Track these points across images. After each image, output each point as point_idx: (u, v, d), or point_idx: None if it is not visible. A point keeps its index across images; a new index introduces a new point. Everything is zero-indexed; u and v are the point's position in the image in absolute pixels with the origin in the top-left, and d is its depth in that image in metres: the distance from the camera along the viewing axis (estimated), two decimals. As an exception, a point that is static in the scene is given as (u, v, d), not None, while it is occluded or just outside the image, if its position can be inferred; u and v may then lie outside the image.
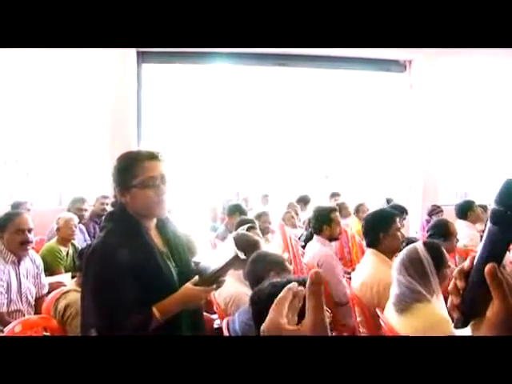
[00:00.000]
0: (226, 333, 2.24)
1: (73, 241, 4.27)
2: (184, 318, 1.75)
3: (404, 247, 3.12)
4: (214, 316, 3.02)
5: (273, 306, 0.71)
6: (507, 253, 0.72)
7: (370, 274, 2.83)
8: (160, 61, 6.72)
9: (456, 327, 0.74)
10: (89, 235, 4.95)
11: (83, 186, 6.46)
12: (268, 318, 0.70)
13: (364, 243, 3.15)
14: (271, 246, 4.57)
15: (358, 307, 2.83)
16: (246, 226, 3.51)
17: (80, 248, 3.90)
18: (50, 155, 6.55)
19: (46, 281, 3.37)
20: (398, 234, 2.95)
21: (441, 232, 3.63)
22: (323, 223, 3.75)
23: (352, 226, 5.81)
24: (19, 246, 3.11)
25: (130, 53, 6.30)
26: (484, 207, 5.40)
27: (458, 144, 7.63)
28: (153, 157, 1.78)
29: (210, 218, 5.87)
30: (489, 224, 0.69)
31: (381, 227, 2.93)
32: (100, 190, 5.75)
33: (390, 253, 2.92)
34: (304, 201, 6.95)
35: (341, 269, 3.78)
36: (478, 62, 7.22)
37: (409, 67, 7.21)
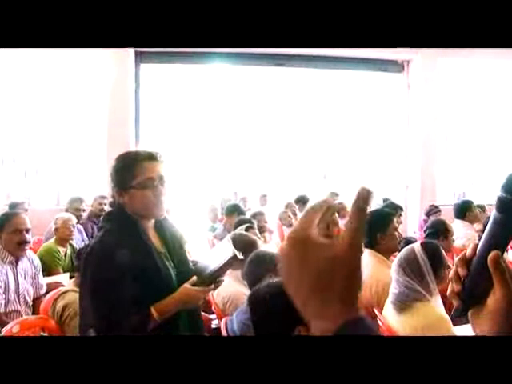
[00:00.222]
0: (224, 333, 2.25)
1: (71, 241, 4.26)
2: (182, 318, 1.75)
3: (402, 247, 3.14)
4: (212, 316, 3.02)
5: (302, 215, 0.60)
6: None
7: (369, 274, 2.83)
8: (158, 61, 6.73)
9: (455, 315, 0.74)
10: (87, 235, 4.95)
11: (81, 185, 6.45)
12: (295, 226, 0.59)
13: (362, 243, 3.15)
14: (269, 245, 4.56)
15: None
16: (245, 226, 3.51)
17: (78, 248, 3.90)
18: (48, 155, 6.55)
19: (44, 281, 3.36)
20: (396, 233, 2.96)
21: (438, 231, 3.64)
22: (321, 223, 3.75)
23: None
24: (17, 247, 3.10)
25: (128, 53, 6.30)
26: (482, 207, 5.42)
27: (456, 144, 7.64)
28: (152, 157, 1.78)
29: (209, 218, 5.86)
30: (494, 212, 0.68)
31: (378, 228, 2.94)
32: (98, 189, 5.75)
33: (388, 253, 2.93)
34: (302, 201, 6.95)
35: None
36: (476, 62, 7.24)
37: (407, 67, 7.22)
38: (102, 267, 1.63)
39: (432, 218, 5.28)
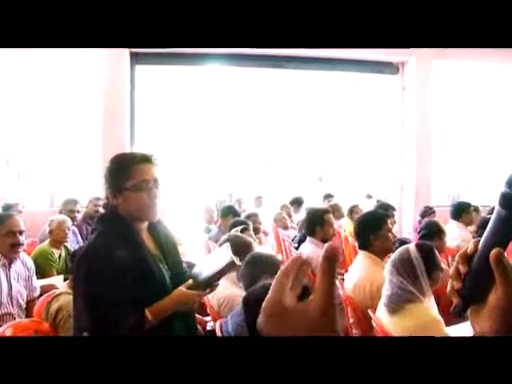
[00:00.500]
0: (218, 335, 2.24)
1: (65, 243, 4.24)
2: (176, 320, 1.74)
3: (396, 248, 3.15)
4: (208, 318, 3.02)
5: (275, 280, 0.62)
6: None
7: (363, 275, 2.84)
8: (154, 62, 6.71)
9: (454, 312, 0.73)
10: (81, 237, 4.93)
11: (76, 187, 6.43)
12: (269, 294, 0.61)
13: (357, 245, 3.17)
14: (264, 247, 4.56)
15: (351, 308, 2.84)
16: (240, 228, 3.51)
17: (72, 250, 3.88)
18: (42, 156, 6.52)
19: (38, 284, 3.34)
20: (389, 235, 2.97)
21: (432, 232, 3.66)
22: (316, 225, 3.76)
23: (345, 228, 5.82)
24: (10, 249, 3.08)
25: (124, 54, 6.29)
26: (476, 208, 5.44)
27: (451, 146, 7.67)
28: (146, 160, 1.77)
29: (205, 219, 5.85)
30: (497, 208, 0.67)
31: (371, 229, 2.95)
32: (93, 191, 5.73)
33: (382, 254, 2.94)
34: (297, 202, 6.97)
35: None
36: (471, 64, 7.28)
37: (401, 69, 7.24)
38: (96, 269, 1.62)
39: (426, 219, 5.30)
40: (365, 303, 2.70)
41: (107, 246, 1.66)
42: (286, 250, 4.89)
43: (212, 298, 2.71)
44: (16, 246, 3.10)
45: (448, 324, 2.13)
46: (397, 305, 2.16)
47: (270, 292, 0.61)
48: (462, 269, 0.72)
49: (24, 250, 3.34)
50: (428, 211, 5.83)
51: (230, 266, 1.76)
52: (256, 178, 8.27)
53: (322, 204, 6.65)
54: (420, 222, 5.60)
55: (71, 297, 1.91)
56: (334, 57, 6.76)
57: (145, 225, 1.82)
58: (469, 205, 5.13)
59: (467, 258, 0.72)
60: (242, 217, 4.70)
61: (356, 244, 3.24)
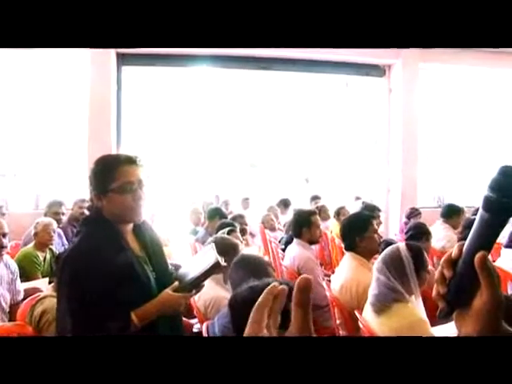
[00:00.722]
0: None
1: (50, 246, 4.19)
2: (163, 323, 1.73)
3: (382, 249, 3.17)
4: (194, 320, 3.00)
5: (252, 313, 0.63)
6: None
7: (349, 276, 2.85)
8: (140, 63, 6.67)
9: (440, 316, 0.73)
10: (67, 239, 4.87)
11: (61, 189, 6.36)
12: (247, 327, 0.63)
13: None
14: (251, 249, 4.56)
15: (338, 309, 2.85)
16: (227, 230, 3.50)
17: (58, 253, 3.84)
18: (27, 158, 6.44)
19: (22, 287, 3.30)
20: (375, 236, 2.99)
21: (419, 233, 3.69)
22: (303, 226, 3.76)
23: (332, 229, 5.84)
24: (-7, 251, 3.04)
25: (110, 55, 6.24)
26: (461, 210, 5.49)
27: (437, 148, 7.75)
28: (131, 161, 1.76)
29: (192, 221, 5.83)
30: (481, 211, 0.68)
31: (357, 231, 2.96)
32: (79, 193, 5.67)
33: (369, 255, 2.95)
34: (284, 204, 6.98)
35: (320, 272, 3.79)
36: (457, 67, 7.35)
37: (388, 72, 7.29)
38: (80, 272, 1.60)
39: (413, 221, 5.34)
40: (351, 304, 2.71)
41: (92, 249, 1.64)
42: (272, 251, 4.89)
43: (198, 300, 2.70)
44: (-1, 248, 3.06)
45: (434, 324, 2.14)
46: (383, 304, 2.17)
47: (248, 324, 0.62)
48: (447, 273, 0.72)
49: (8, 253, 3.30)
50: (414, 212, 5.87)
51: (216, 267, 1.76)
52: (243, 180, 8.27)
53: (308, 205, 6.67)
54: (406, 224, 5.64)
55: (56, 300, 1.89)
56: (321, 59, 6.78)
57: (130, 227, 1.80)
58: (462, 210, 5.15)
59: (452, 263, 0.72)
60: (229, 218, 4.70)
61: (342, 245, 3.25)
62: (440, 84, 7.64)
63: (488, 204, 0.67)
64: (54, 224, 4.23)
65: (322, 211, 5.97)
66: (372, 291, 2.25)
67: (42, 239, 4.07)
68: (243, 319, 1.58)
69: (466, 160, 7.74)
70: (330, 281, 3.15)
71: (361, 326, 2.37)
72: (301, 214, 3.90)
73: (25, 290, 3.29)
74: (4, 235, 3.10)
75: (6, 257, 3.21)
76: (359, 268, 2.87)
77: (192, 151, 8.01)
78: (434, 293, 0.74)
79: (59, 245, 4.58)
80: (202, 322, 2.59)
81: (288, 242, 4.16)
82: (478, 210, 0.70)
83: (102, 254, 1.62)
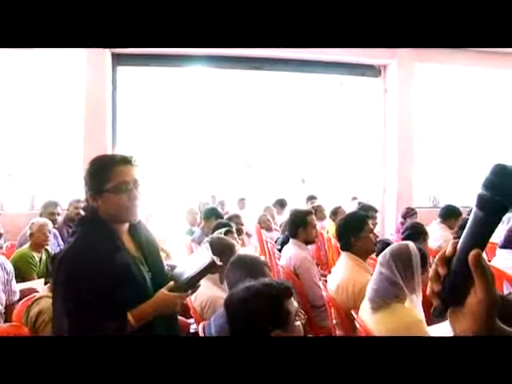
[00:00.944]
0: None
1: (46, 246, 4.18)
2: (158, 323, 1.73)
3: (379, 248, 3.18)
4: (191, 320, 3.00)
5: None
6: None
7: (345, 276, 2.85)
8: (135, 63, 6.66)
9: (434, 314, 0.74)
10: (62, 240, 4.86)
11: (56, 189, 6.34)
12: None
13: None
14: (248, 249, 4.56)
15: (334, 309, 2.85)
16: (223, 230, 3.50)
17: (53, 253, 3.83)
18: (22, 158, 6.42)
19: (17, 288, 3.29)
20: (371, 235, 2.99)
21: (417, 233, 3.69)
22: (299, 226, 3.76)
23: (328, 229, 5.85)
24: (-12, 252, 3.03)
25: (105, 55, 6.23)
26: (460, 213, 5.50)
27: (432, 148, 7.76)
28: (126, 161, 1.76)
29: (188, 221, 5.82)
30: (474, 209, 0.68)
31: (352, 231, 2.97)
32: (74, 193, 5.66)
33: (364, 255, 2.96)
34: (281, 204, 6.99)
35: (317, 272, 3.79)
36: (452, 67, 7.38)
37: (383, 72, 7.30)
38: (76, 272, 1.60)
39: (408, 221, 5.36)
40: (348, 304, 2.71)
41: (87, 249, 1.64)
42: (269, 251, 4.90)
43: (195, 301, 2.70)
44: (-6, 249, 3.05)
45: (431, 323, 2.15)
46: (383, 300, 2.16)
47: None
48: (442, 271, 0.72)
49: (3, 254, 3.29)
50: (410, 212, 5.89)
51: (211, 267, 1.76)
52: (239, 180, 8.27)
53: (305, 206, 6.67)
54: (402, 224, 5.65)
55: (51, 300, 1.88)
56: (317, 59, 6.79)
57: (125, 227, 1.80)
58: (460, 213, 5.14)
59: (446, 261, 0.72)
60: (225, 219, 4.70)
61: (339, 245, 3.26)
62: (435, 84, 7.66)
63: (482, 202, 0.67)
64: (50, 224, 4.22)
65: (318, 211, 5.98)
66: (372, 286, 2.24)
67: (37, 240, 4.05)
68: (239, 319, 1.59)
69: (462, 160, 7.76)
70: (326, 281, 3.16)
71: (357, 325, 2.37)
72: (297, 214, 3.90)
73: (20, 291, 3.28)
74: (-1, 236, 3.09)
75: (1, 257, 3.20)
76: (355, 268, 2.88)
77: (188, 151, 8.00)
78: (428, 290, 0.74)
79: (55, 245, 4.57)
80: (198, 323, 2.58)
81: (284, 242, 4.16)
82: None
83: (97, 254, 1.61)
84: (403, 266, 2.18)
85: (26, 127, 6.37)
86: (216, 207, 5.70)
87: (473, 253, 0.68)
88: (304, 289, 3.42)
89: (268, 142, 8.38)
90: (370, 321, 2.22)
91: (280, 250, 4.20)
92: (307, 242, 3.83)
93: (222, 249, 2.57)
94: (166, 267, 1.97)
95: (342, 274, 2.90)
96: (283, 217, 6.18)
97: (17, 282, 3.34)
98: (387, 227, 7.13)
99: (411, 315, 2.14)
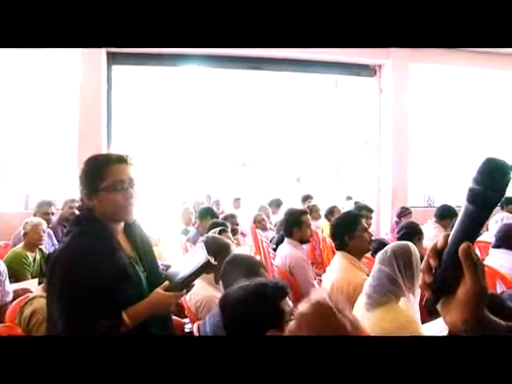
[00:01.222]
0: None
1: (40, 246, 4.16)
2: (153, 322, 1.73)
3: (374, 247, 3.18)
4: (186, 320, 3.00)
5: None
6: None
7: (340, 275, 2.86)
8: (131, 62, 6.65)
9: (426, 305, 0.75)
10: (57, 240, 4.84)
11: (51, 189, 6.32)
12: None
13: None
14: (243, 248, 4.56)
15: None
16: (218, 229, 3.50)
17: (48, 253, 3.81)
18: (17, 157, 6.39)
19: (11, 288, 3.27)
20: (365, 235, 2.99)
21: (413, 232, 3.69)
22: (293, 226, 3.76)
23: (323, 229, 5.86)
24: (-18, 252, 3.01)
25: (100, 54, 6.21)
26: (455, 213, 5.52)
27: (427, 148, 7.79)
28: (121, 160, 1.75)
29: (183, 221, 5.82)
30: (465, 203, 0.70)
31: (346, 230, 2.97)
32: (69, 193, 5.64)
33: (359, 254, 2.96)
34: (276, 204, 6.99)
35: (312, 271, 3.80)
36: (447, 67, 7.40)
37: (379, 72, 7.32)
38: (70, 272, 1.59)
39: (403, 220, 5.37)
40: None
41: (82, 248, 1.63)
42: (264, 251, 4.90)
43: (190, 300, 2.69)
44: (-12, 249, 3.03)
45: (425, 320, 2.16)
46: (380, 296, 2.16)
47: None
48: (433, 263, 0.74)
49: (-4, 253, 3.27)
50: (404, 212, 5.91)
51: (206, 266, 1.76)
52: (234, 180, 8.27)
53: (300, 205, 6.68)
54: (397, 223, 5.67)
55: (45, 300, 1.87)
56: (312, 59, 6.80)
57: (120, 226, 1.79)
58: (456, 213, 5.15)
59: (437, 253, 0.74)
60: (220, 218, 4.69)
61: (333, 245, 3.26)
62: (430, 84, 7.69)
63: (473, 196, 0.69)
64: (44, 224, 4.20)
65: (313, 210, 5.99)
66: (371, 282, 2.24)
67: (31, 239, 4.04)
68: (234, 319, 1.58)
69: (457, 160, 7.79)
70: (321, 280, 3.16)
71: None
72: (292, 213, 3.90)
73: (14, 291, 3.26)
74: (-7, 235, 3.07)
75: (-6, 257, 3.19)
76: (350, 267, 2.88)
77: (183, 151, 7.99)
78: (420, 282, 0.76)
79: (49, 245, 4.55)
80: (193, 322, 2.58)
81: (279, 242, 4.17)
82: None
83: (92, 253, 1.61)
84: (404, 265, 2.20)
85: (20, 126, 6.34)
86: (211, 207, 5.70)
87: (463, 245, 0.69)
88: (299, 288, 3.42)
89: (263, 142, 8.38)
90: (364, 319, 2.22)
91: (275, 250, 4.20)
92: (302, 242, 3.83)
93: (217, 248, 2.57)
94: (161, 267, 1.97)
95: (336, 274, 2.91)
96: (278, 216, 6.19)
97: (10, 282, 3.32)
98: (382, 227, 7.15)
99: (405, 316, 2.15)
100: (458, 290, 0.71)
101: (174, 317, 2.33)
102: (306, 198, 7.08)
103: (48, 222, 4.77)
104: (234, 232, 4.50)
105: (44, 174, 6.45)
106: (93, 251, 1.62)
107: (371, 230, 4.08)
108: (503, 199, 5.99)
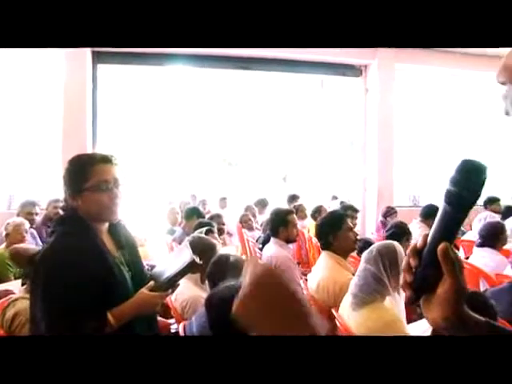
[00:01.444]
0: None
1: (23, 246, 4.11)
2: (139, 323, 1.72)
3: (360, 247, 3.20)
4: (172, 321, 2.98)
5: None
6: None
7: (326, 275, 2.87)
8: (116, 61, 6.60)
9: (407, 303, 0.77)
10: (41, 240, 4.78)
11: (35, 189, 6.24)
12: None
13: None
14: (229, 248, 4.55)
15: (315, 308, 2.86)
16: (204, 229, 3.49)
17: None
18: (0, 157, 6.31)
19: (-7, 289, 3.23)
20: (350, 234, 3.00)
21: (402, 232, 3.72)
22: (279, 225, 3.77)
23: (309, 228, 5.88)
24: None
25: (85, 53, 6.15)
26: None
27: (412, 148, 7.86)
28: (106, 160, 1.74)
29: (169, 221, 5.79)
30: (443, 204, 0.71)
31: (330, 229, 2.99)
32: (53, 193, 5.58)
33: (345, 253, 2.98)
34: (262, 203, 6.99)
35: (298, 270, 3.81)
36: (432, 68, 7.48)
37: (364, 72, 7.37)
38: (54, 272, 1.58)
39: (389, 219, 5.42)
40: (328, 303, 2.73)
41: (67, 248, 1.62)
42: (250, 250, 4.90)
43: (175, 301, 2.68)
44: (-30, 249, 2.99)
45: (412, 319, 2.18)
46: (366, 294, 2.18)
47: None
48: (413, 262, 0.76)
49: (-21, 254, 3.22)
50: (390, 211, 5.96)
51: (191, 266, 1.75)
52: (220, 179, 8.25)
53: (286, 205, 6.69)
54: (382, 222, 5.72)
55: (28, 302, 1.85)
56: (298, 59, 6.82)
57: (105, 226, 1.78)
58: None
59: (417, 252, 0.76)
60: (206, 218, 4.68)
61: (319, 244, 3.28)
62: (415, 85, 7.76)
63: (449, 197, 0.70)
64: (26, 224, 4.15)
65: (299, 210, 6.01)
66: (356, 281, 2.26)
67: (13, 240, 3.98)
68: (220, 319, 1.58)
69: (441, 160, 7.87)
70: (307, 279, 3.17)
71: (338, 324, 2.39)
72: (278, 213, 3.91)
73: (-4, 293, 3.21)
74: (-25, 236, 3.03)
75: (-24, 258, 3.14)
76: (335, 266, 2.89)
77: (169, 150, 7.95)
78: (401, 281, 0.78)
79: (33, 245, 4.49)
80: (179, 323, 2.57)
81: (265, 242, 4.17)
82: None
83: (77, 253, 1.59)
84: (389, 264, 2.21)
85: (4, 126, 6.26)
86: (197, 206, 5.68)
87: (441, 246, 0.71)
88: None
89: (249, 141, 8.38)
90: (350, 318, 2.23)
91: (261, 249, 4.21)
92: (288, 241, 3.84)
93: (202, 248, 2.56)
94: (146, 267, 1.96)
95: (322, 273, 2.92)
96: (264, 216, 6.19)
97: (-8, 283, 3.28)
98: (368, 226, 7.20)
99: (390, 315, 2.16)
100: (437, 289, 0.72)
101: (159, 318, 2.32)
102: (293, 198, 7.09)
103: (32, 222, 4.72)
104: (220, 232, 4.49)
105: (28, 174, 6.37)
106: (77, 251, 1.60)
107: (357, 229, 4.11)
108: (486, 198, 6.10)
